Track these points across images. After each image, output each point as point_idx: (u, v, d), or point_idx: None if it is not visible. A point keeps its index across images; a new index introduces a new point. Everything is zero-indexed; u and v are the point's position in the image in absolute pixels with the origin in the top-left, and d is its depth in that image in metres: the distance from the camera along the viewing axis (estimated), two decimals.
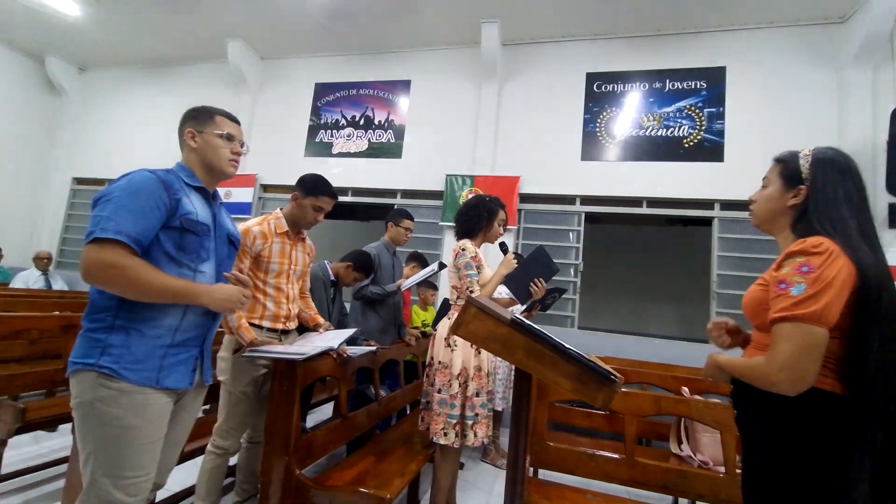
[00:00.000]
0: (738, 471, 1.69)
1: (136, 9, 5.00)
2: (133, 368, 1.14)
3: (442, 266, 2.85)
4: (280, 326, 1.91)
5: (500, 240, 2.21)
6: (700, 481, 1.76)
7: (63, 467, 2.38)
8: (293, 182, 2.03)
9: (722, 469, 1.78)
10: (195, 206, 1.27)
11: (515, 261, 2.02)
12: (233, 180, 5.45)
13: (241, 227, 1.86)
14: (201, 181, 1.34)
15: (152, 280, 1.12)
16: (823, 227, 0.98)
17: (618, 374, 0.99)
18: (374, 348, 2.32)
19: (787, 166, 1.08)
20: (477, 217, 2.15)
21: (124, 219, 1.11)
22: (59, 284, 5.18)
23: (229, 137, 1.36)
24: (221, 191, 5.42)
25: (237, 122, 1.42)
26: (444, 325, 2.07)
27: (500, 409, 3.16)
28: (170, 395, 1.22)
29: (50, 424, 2.18)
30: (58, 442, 2.83)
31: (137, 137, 6.12)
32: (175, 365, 1.22)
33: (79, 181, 6.39)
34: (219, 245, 1.35)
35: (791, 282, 0.93)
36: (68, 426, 1.91)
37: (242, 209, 5.33)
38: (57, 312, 2.78)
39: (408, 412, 3.14)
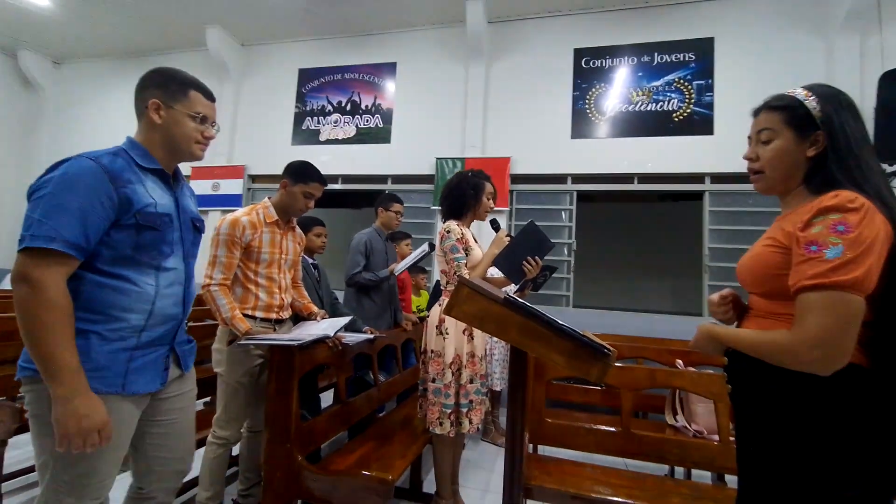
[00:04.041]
0: (732, 438, 1.73)
1: None
2: (94, 377, 1.01)
3: (432, 246, 2.84)
4: (273, 316, 1.90)
5: (490, 217, 2.14)
6: (695, 450, 1.80)
7: None
8: (281, 171, 1.99)
9: (716, 437, 1.82)
10: (152, 194, 1.11)
11: (507, 239, 1.94)
12: (221, 172, 5.38)
13: (228, 217, 1.84)
14: (159, 162, 1.15)
15: (49, 332, 0.93)
16: (850, 178, 0.86)
17: (611, 348, 1.00)
18: (371, 336, 2.32)
19: (794, 112, 0.93)
20: (462, 196, 2.06)
21: (59, 220, 0.94)
22: None
23: (202, 120, 1.19)
24: (207, 184, 5.34)
25: (213, 100, 1.24)
26: (436, 312, 2.04)
27: (498, 388, 3.20)
28: (138, 399, 1.12)
29: None
30: None
31: (119, 130, 5.87)
32: (142, 368, 1.10)
33: None
34: (184, 233, 1.20)
35: (825, 243, 0.80)
36: None
37: (232, 201, 5.26)
38: None
39: (409, 396, 3.17)
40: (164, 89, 1.15)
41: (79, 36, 5.70)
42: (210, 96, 1.23)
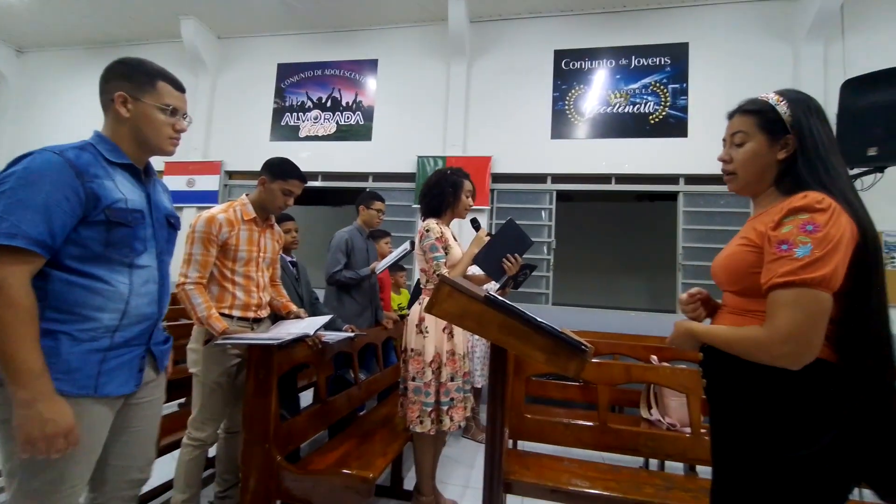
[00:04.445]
0: (703, 431, 1.79)
1: None
2: (64, 379, 0.98)
3: (413, 245, 2.84)
4: (251, 315, 1.87)
5: (470, 216, 2.13)
6: (668, 442, 1.86)
7: None
8: (260, 167, 1.96)
9: (688, 430, 1.88)
10: (123, 190, 1.07)
11: (488, 238, 1.95)
12: (196, 167, 5.24)
13: (205, 214, 1.81)
14: (129, 157, 1.11)
15: (10, 333, 0.89)
16: (817, 180, 0.89)
17: (588, 344, 1.03)
18: (351, 335, 2.31)
19: (765, 116, 0.97)
20: (441, 194, 2.06)
21: (21, 216, 0.91)
22: None
23: (173, 112, 1.14)
24: (181, 179, 5.20)
25: (183, 90, 1.18)
26: (416, 310, 2.04)
27: (479, 385, 3.23)
28: (111, 402, 1.08)
29: None
30: None
31: (85, 124, 5.71)
32: (116, 369, 1.07)
33: None
34: (157, 230, 1.16)
35: (795, 242, 0.83)
36: None
37: (208, 198, 5.13)
38: None
39: (389, 394, 3.17)
40: (130, 80, 1.10)
41: (44, 23, 5.45)
42: (179, 87, 1.18)
